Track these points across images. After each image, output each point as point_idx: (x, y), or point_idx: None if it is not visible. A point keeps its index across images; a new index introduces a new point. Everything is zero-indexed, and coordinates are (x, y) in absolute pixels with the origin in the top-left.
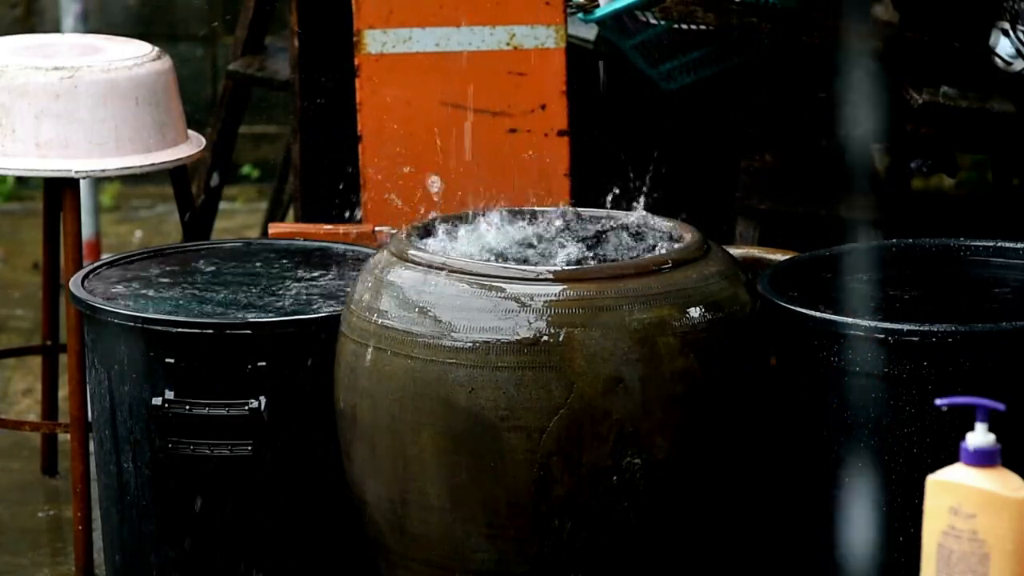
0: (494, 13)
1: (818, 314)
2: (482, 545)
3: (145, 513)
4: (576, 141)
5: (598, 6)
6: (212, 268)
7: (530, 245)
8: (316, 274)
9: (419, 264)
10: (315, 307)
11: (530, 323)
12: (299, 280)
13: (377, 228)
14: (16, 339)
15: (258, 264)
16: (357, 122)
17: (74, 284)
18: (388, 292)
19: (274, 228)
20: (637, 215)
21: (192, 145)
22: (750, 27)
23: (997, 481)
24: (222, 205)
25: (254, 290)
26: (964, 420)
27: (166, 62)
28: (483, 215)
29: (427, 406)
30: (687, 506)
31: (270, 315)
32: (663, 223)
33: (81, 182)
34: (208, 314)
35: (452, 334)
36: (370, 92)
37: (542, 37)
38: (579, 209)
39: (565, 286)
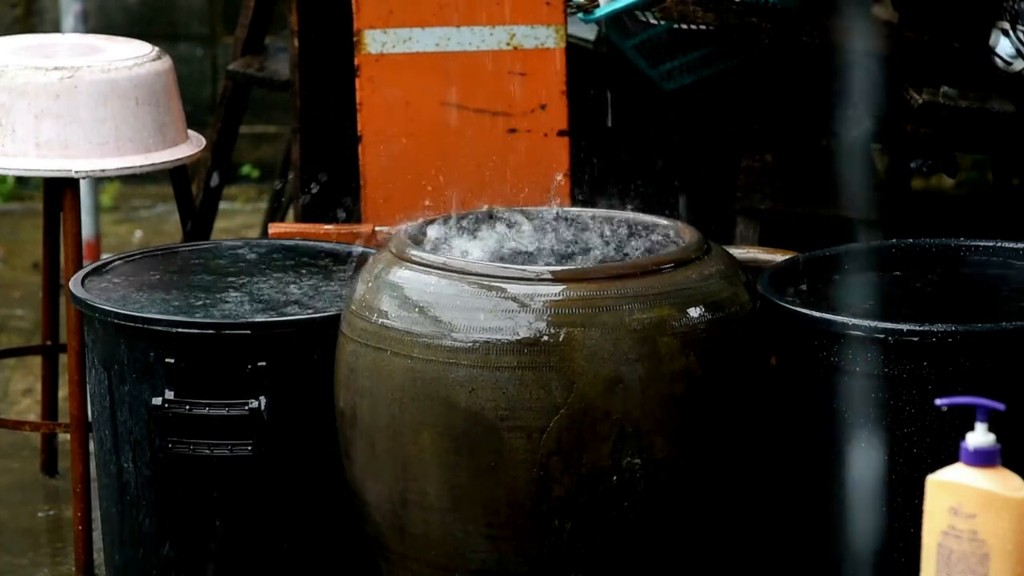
0: (494, 13)
1: (818, 314)
2: (482, 545)
3: (145, 513)
4: (576, 141)
5: (598, 6)
6: (212, 268)
7: (530, 245)
8: (316, 274)
9: (419, 264)
10: (315, 307)
11: (530, 323)
12: (299, 280)
13: (377, 228)
14: (16, 339)
15: (258, 264)
16: (357, 122)
17: (74, 284)
18: (388, 292)
19: (274, 228)
20: (637, 215)
21: (192, 145)
22: (750, 27)
23: (997, 481)
24: (222, 205)
25: (254, 290)
26: (964, 420)
27: (166, 62)
28: (483, 215)
29: (427, 406)
30: (687, 506)
31: (270, 315)
32: (663, 223)
33: (81, 182)
34: (208, 314)
35: (452, 334)
36: (370, 92)
37: (542, 37)
38: (579, 209)
39: (565, 286)
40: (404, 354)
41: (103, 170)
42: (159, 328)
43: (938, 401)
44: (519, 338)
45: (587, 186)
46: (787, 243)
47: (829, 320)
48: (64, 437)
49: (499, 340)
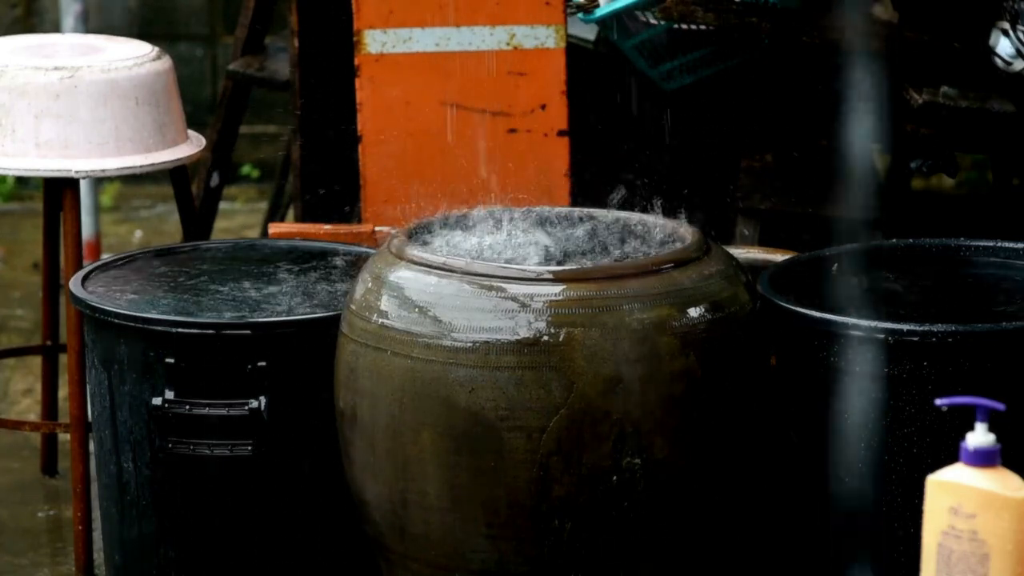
0: (494, 13)
1: (818, 314)
2: (482, 545)
3: (145, 513)
4: (576, 141)
5: (598, 6)
6: (212, 268)
7: (530, 245)
8: (316, 274)
9: (419, 264)
10: (315, 307)
11: (530, 323)
12: (299, 280)
13: (377, 228)
14: (16, 339)
15: (258, 264)
16: (357, 122)
17: (74, 284)
18: (388, 292)
19: (274, 228)
20: (637, 215)
21: (192, 145)
22: (750, 27)
23: (997, 481)
24: (222, 205)
25: (254, 290)
26: (964, 420)
27: (166, 62)
28: (483, 215)
29: (427, 406)
30: (687, 506)
31: (270, 315)
32: (663, 223)
33: (81, 182)
34: (208, 314)
35: (452, 334)
36: (370, 92)
37: (542, 37)
38: (579, 209)
39: (565, 286)
40: (404, 354)
41: (103, 170)
42: (159, 328)
43: (938, 401)
44: (519, 338)
45: (587, 186)
46: (787, 243)
47: (829, 320)
48: (64, 437)
49: (499, 340)
